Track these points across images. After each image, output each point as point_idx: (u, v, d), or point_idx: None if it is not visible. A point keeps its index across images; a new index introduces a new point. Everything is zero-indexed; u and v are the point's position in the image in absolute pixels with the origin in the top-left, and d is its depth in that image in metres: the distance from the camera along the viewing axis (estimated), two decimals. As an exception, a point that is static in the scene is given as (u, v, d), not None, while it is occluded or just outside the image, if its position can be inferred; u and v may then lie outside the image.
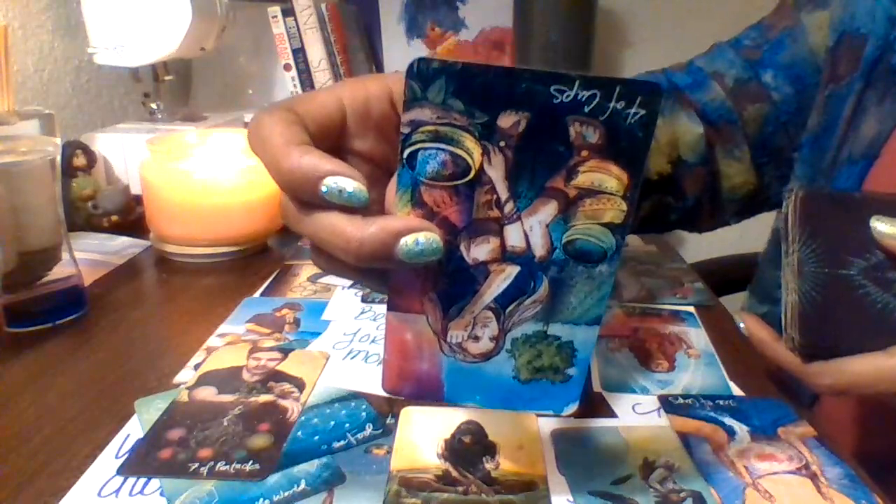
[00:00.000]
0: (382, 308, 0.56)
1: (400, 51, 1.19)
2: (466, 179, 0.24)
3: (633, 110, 0.23)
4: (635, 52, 1.38)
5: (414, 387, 0.28)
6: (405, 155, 0.24)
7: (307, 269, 0.65)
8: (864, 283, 0.36)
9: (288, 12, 1.04)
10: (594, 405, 0.43)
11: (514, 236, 0.25)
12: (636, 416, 0.42)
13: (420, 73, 0.23)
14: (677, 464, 0.37)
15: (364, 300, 0.58)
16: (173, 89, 1.15)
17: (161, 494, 0.34)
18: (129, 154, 0.83)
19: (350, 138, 0.29)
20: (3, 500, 0.34)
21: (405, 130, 0.24)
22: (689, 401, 0.43)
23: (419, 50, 1.20)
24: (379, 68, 1.21)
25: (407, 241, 0.24)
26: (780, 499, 0.34)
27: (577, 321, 0.27)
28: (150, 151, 0.68)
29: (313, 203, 0.25)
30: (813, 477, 0.36)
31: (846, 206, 0.37)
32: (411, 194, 0.25)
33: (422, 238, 0.24)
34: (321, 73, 1.07)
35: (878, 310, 0.36)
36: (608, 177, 0.24)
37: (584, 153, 0.24)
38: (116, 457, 0.37)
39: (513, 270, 0.26)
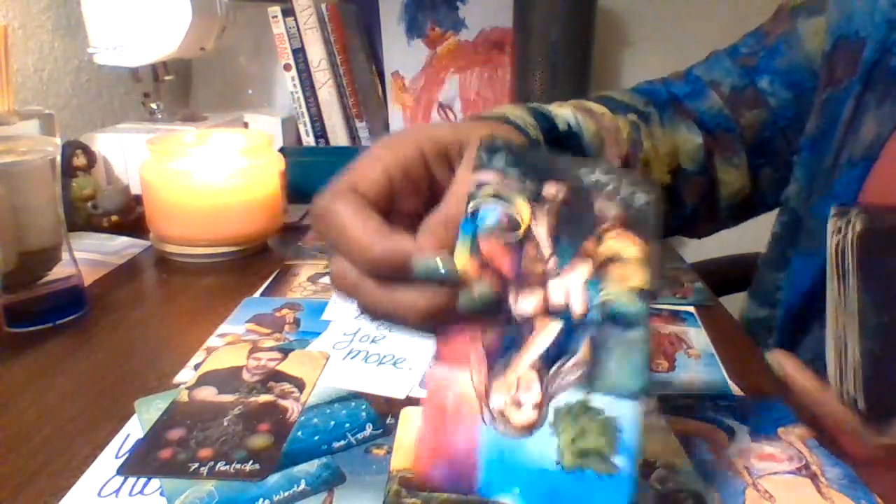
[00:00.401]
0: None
1: (400, 51, 1.19)
2: (517, 232, 0.28)
3: (638, 194, 0.27)
4: (635, 51, 1.37)
5: (446, 469, 0.27)
6: (469, 208, 0.28)
7: (307, 269, 0.65)
8: None
9: (288, 12, 1.04)
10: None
11: (556, 291, 0.27)
12: (636, 416, 0.41)
13: (487, 147, 0.28)
14: (677, 464, 0.37)
15: (364, 300, 0.58)
16: (173, 89, 1.15)
17: (161, 494, 0.34)
18: (129, 154, 0.83)
19: (393, 201, 0.32)
20: (3, 500, 0.34)
21: (472, 188, 0.28)
22: (689, 401, 0.43)
23: (419, 50, 1.20)
24: (379, 68, 1.21)
25: (465, 294, 0.27)
26: (780, 499, 0.34)
27: (619, 392, 0.26)
28: (150, 151, 0.68)
29: (395, 279, 0.27)
30: (813, 477, 0.36)
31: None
32: (471, 242, 0.27)
33: (477, 289, 0.27)
34: (321, 73, 1.07)
35: None
36: (629, 245, 0.27)
37: (607, 224, 0.27)
38: (116, 457, 0.37)
39: (556, 325, 0.27)
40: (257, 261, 0.69)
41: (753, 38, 0.58)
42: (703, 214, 0.58)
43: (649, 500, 0.34)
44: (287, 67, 1.07)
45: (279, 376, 0.45)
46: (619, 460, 0.26)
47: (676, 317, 0.55)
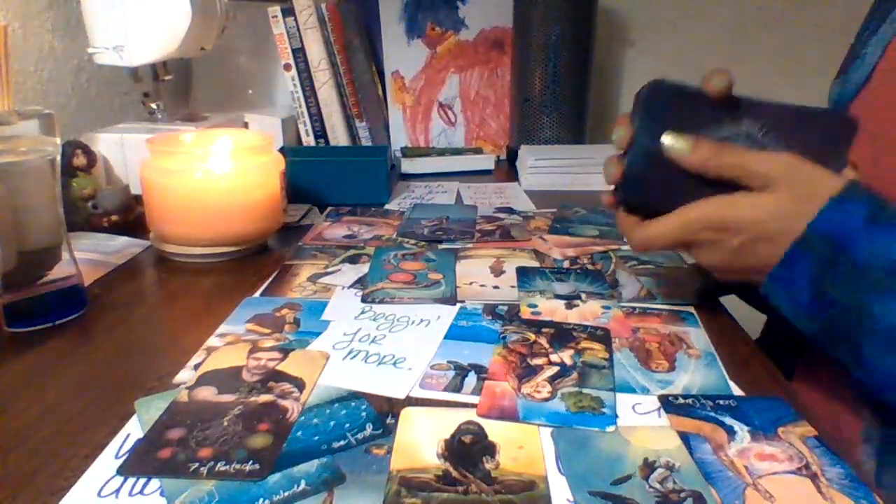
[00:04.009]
0: (382, 308, 0.56)
1: (400, 51, 1.19)
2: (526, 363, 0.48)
3: (597, 330, 0.52)
4: (635, 51, 1.38)
5: (498, 412, 0.42)
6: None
7: (307, 269, 0.65)
8: None
9: (288, 12, 1.04)
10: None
11: (554, 357, 0.48)
12: (636, 416, 0.42)
13: None
14: (677, 464, 0.37)
15: (364, 300, 0.58)
16: (173, 89, 1.15)
17: (161, 494, 0.34)
18: (129, 154, 0.83)
19: None
20: (3, 500, 0.34)
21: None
22: (689, 401, 0.43)
23: (419, 49, 1.20)
24: (379, 68, 1.21)
25: None
26: (780, 499, 0.34)
27: (597, 387, 0.44)
28: (150, 151, 0.68)
29: None
30: (813, 477, 0.36)
31: (686, 98, 0.46)
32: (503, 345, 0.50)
33: None
34: (321, 73, 1.07)
35: (683, 179, 0.46)
36: (594, 344, 0.50)
37: (581, 338, 0.51)
38: (116, 457, 0.37)
39: (555, 367, 0.47)
40: (257, 261, 0.69)
41: None
42: None
43: (649, 500, 0.34)
44: (287, 67, 1.07)
45: (279, 376, 0.45)
46: (605, 409, 0.42)
47: (676, 317, 0.55)
